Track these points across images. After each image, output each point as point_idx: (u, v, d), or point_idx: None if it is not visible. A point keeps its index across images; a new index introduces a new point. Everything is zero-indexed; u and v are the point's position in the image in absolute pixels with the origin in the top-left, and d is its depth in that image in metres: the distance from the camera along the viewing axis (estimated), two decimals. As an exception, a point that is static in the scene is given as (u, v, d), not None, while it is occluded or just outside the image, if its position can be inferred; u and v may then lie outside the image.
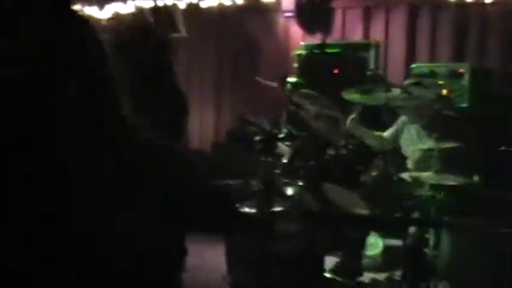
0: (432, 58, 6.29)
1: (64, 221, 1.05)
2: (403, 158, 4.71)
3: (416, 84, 4.57)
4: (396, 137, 4.76)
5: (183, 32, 7.22)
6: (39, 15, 1.08)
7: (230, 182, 4.30)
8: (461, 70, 5.47)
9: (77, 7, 1.14)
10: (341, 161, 3.75)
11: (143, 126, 1.21)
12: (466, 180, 4.02)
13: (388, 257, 4.24)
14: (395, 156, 4.62)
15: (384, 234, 4.29)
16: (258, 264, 3.55)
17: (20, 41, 1.05)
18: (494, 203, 4.45)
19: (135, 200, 1.14)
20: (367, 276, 3.95)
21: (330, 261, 3.89)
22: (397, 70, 6.36)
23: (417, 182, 4.03)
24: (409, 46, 6.39)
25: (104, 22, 4.56)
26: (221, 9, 7.29)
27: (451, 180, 3.96)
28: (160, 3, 7.38)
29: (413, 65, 5.83)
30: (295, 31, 6.96)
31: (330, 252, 3.94)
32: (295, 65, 6.13)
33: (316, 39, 6.74)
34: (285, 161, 3.83)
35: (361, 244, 4.12)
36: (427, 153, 4.36)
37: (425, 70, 5.57)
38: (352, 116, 4.52)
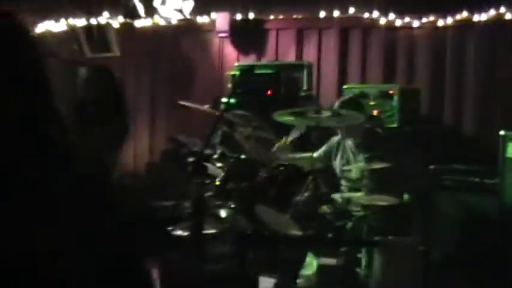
0: (363, 79, 6.41)
1: None
2: (338, 178, 4.76)
3: (349, 102, 4.64)
4: (328, 157, 4.82)
5: (116, 52, 7.15)
6: None
7: (163, 203, 4.26)
8: (391, 91, 5.60)
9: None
10: (273, 183, 3.76)
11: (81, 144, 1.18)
12: (397, 200, 4.10)
13: (323, 276, 4.27)
14: (328, 176, 4.66)
15: (318, 254, 4.32)
16: (192, 287, 3.52)
17: None
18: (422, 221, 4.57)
19: (62, 221, 1.11)
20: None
21: (267, 282, 3.88)
22: (330, 91, 6.46)
23: (349, 202, 4.10)
24: (340, 67, 6.51)
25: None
26: (155, 30, 7.26)
27: (381, 201, 4.04)
28: (93, 22, 7.29)
29: (345, 86, 5.93)
30: (230, 52, 6.99)
31: (265, 273, 3.93)
32: (229, 85, 6.15)
33: (250, 60, 6.81)
34: (217, 182, 3.81)
35: (297, 264, 4.13)
36: (359, 174, 4.43)
37: (357, 91, 5.67)
38: (284, 139, 4.56)
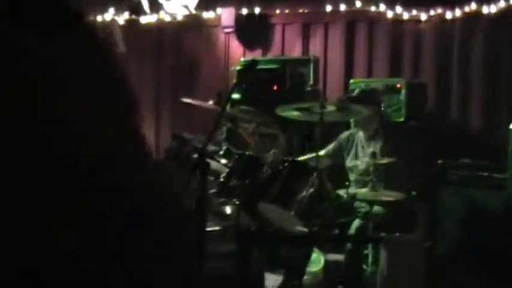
0: (370, 73, 6.35)
1: None
2: (346, 174, 4.70)
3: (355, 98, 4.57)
4: (337, 153, 4.74)
5: (121, 48, 7.12)
6: None
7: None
8: (398, 85, 5.54)
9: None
10: (277, 180, 3.71)
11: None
12: (403, 195, 4.05)
13: (329, 273, 4.23)
14: (336, 172, 4.60)
15: (324, 250, 4.28)
16: (196, 285, 3.48)
17: None
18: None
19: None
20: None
21: (273, 280, 3.85)
22: (336, 85, 6.40)
23: (354, 198, 4.05)
24: (347, 61, 6.44)
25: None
26: (161, 26, 7.23)
27: (387, 196, 3.99)
28: (98, 19, 7.26)
29: (351, 80, 5.87)
30: (235, 47, 6.95)
31: (271, 270, 3.90)
32: (235, 81, 6.10)
33: (256, 55, 6.76)
34: (221, 179, 3.78)
35: (303, 261, 4.09)
36: (365, 169, 4.38)
37: (363, 85, 5.61)
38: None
